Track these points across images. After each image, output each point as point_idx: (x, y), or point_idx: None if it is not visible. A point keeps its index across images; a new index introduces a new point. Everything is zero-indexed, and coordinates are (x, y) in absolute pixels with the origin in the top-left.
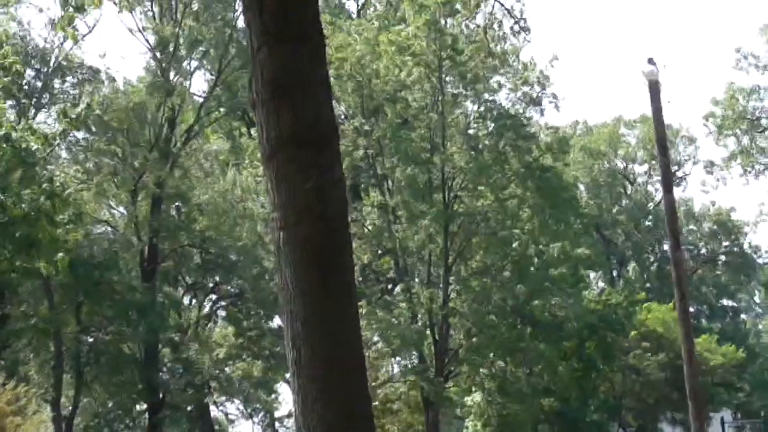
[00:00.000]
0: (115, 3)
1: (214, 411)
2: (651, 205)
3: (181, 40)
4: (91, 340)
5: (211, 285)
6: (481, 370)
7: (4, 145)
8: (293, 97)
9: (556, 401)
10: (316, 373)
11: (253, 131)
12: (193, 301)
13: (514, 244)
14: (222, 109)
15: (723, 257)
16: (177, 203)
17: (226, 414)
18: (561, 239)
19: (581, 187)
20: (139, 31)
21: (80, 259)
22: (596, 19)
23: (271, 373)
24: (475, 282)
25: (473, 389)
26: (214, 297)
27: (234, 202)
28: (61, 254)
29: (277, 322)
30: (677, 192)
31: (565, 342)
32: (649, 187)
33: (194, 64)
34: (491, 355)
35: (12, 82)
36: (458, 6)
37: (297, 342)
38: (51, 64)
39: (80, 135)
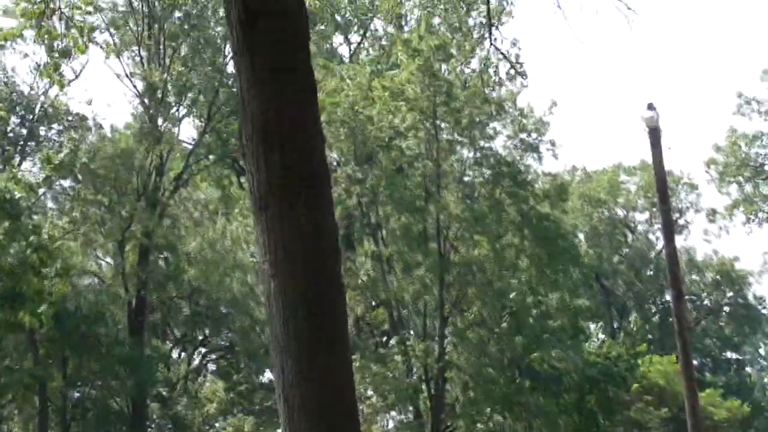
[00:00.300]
0: (102, 48)
1: None
2: (652, 254)
3: (170, 86)
4: (77, 394)
5: (200, 338)
6: (478, 425)
7: None
8: (284, 143)
9: None
10: (307, 428)
11: (243, 180)
12: (182, 354)
13: (512, 295)
14: (211, 157)
15: (727, 308)
16: (165, 254)
17: None
18: (560, 289)
19: (580, 235)
20: (127, 76)
21: (66, 312)
22: (595, 64)
23: (262, 428)
24: (471, 334)
25: None
26: (203, 350)
27: (224, 253)
28: (44, 306)
29: (268, 375)
30: (679, 241)
31: (564, 395)
32: (650, 236)
33: (183, 110)
34: (488, 409)
35: None
36: (453, 51)
37: (288, 396)
38: (36, 111)
39: (66, 184)
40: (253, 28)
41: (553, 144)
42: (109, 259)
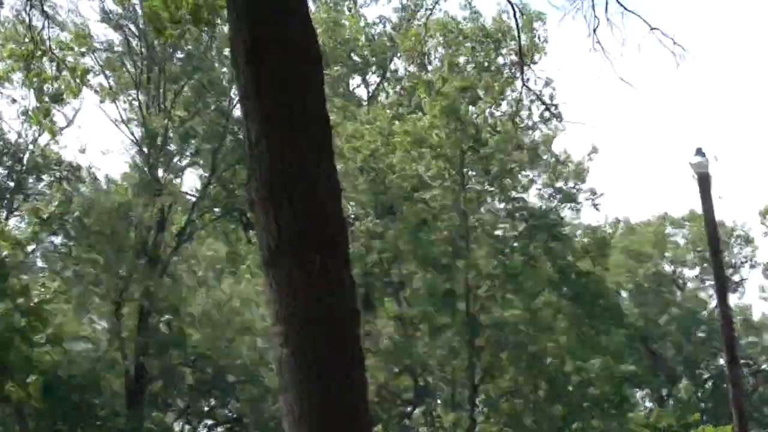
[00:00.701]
0: (96, 92)
1: None
2: (704, 314)
3: (171, 133)
4: None
5: (206, 409)
6: None
7: None
8: (296, 194)
9: None
10: None
11: (251, 234)
12: (186, 427)
13: (549, 360)
14: (217, 210)
15: None
16: (167, 316)
17: None
18: (602, 354)
19: (624, 294)
20: (124, 122)
21: (58, 381)
22: (638, 105)
23: None
24: (505, 403)
25: None
26: (209, 422)
27: (231, 315)
28: (34, 377)
29: None
30: (733, 299)
31: None
32: (702, 294)
33: (185, 159)
34: None
35: None
36: (480, 92)
37: None
38: (25, 161)
39: (57, 240)
40: (260, 59)
41: (593, 193)
42: (104, 323)
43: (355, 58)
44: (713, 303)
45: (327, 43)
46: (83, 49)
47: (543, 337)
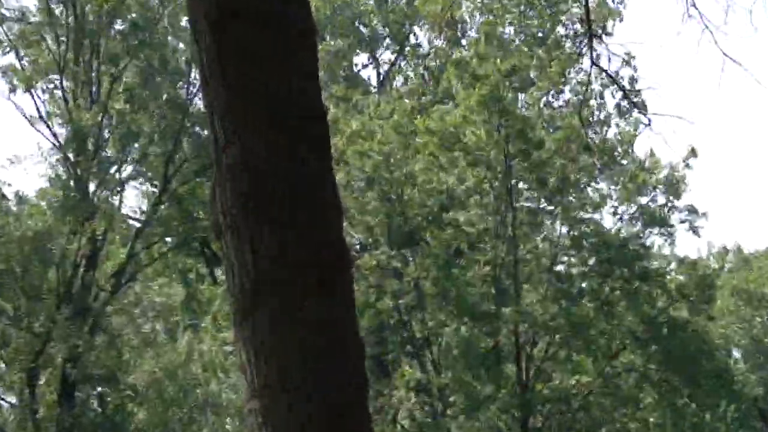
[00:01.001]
0: (4, 74)
1: None
2: None
3: (107, 132)
4: None
5: None
6: None
7: None
8: (280, 216)
9: None
10: None
11: (218, 273)
12: None
13: None
14: (169, 239)
15: None
16: (100, 388)
17: None
18: None
19: (736, 352)
20: (42, 119)
21: None
22: (750, 92)
23: None
24: None
25: None
26: None
27: (189, 386)
28: None
29: None
30: None
31: None
32: None
33: (127, 168)
34: None
35: None
36: (533, 74)
37: None
38: None
39: None
40: (227, 32)
41: (692, 212)
42: (12, 398)
43: (362, 28)
44: None
45: (322, 9)
46: None
47: (625, 413)
